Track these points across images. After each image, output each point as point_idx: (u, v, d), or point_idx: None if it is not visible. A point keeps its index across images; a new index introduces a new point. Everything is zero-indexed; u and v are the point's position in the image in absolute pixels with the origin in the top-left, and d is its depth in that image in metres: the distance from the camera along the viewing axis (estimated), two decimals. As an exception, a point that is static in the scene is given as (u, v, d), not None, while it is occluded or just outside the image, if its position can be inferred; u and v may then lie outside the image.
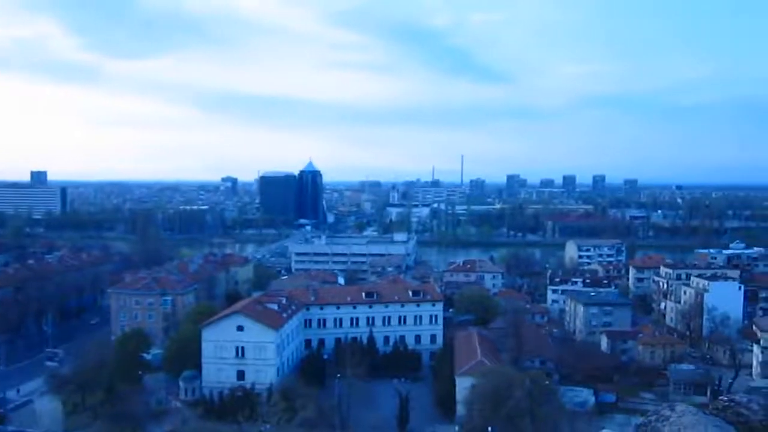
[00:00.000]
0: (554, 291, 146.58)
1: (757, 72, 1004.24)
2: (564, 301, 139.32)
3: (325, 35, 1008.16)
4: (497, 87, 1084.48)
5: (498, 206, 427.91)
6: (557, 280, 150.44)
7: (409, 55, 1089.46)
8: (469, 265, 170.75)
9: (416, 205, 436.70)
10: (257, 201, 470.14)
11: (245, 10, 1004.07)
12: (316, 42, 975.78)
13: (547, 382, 72.37)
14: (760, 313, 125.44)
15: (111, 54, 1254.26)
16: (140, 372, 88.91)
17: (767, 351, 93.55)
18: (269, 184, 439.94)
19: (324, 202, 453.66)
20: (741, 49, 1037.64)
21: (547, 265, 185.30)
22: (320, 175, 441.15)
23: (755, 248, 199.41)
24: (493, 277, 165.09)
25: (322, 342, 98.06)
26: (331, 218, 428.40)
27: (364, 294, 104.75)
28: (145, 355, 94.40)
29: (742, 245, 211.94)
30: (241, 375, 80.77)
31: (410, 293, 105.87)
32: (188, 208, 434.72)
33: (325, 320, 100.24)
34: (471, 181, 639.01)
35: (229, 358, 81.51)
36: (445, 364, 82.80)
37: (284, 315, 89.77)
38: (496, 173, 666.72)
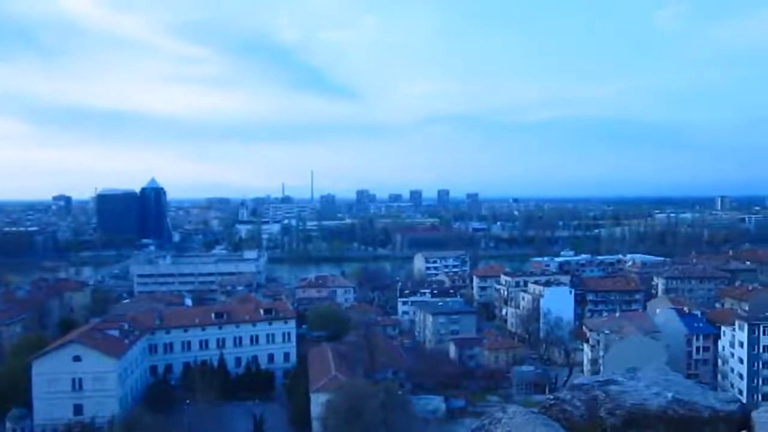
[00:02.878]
0: (404, 303, 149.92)
1: (579, 94, 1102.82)
2: (414, 312, 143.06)
3: (167, 47, 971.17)
4: (346, 104, 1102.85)
5: (348, 221, 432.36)
6: (407, 291, 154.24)
7: (256, 70, 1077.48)
8: (321, 281, 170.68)
9: (266, 222, 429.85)
10: (94, 221, 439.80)
11: (79, 18, 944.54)
12: (158, 54, 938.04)
13: (399, 392, 73.91)
14: (588, 314, 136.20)
15: None
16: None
17: (595, 349, 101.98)
18: (108, 202, 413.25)
19: (169, 221, 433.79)
20: (565, 73, 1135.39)
21: (397, 278, 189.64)
22: (164, 192, 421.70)
23: (582, 255, 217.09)
24: (345, 291, 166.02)
25: (169, 368, 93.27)
26: (176, 237, 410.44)
27: (213, 315, 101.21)
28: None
29: (572, 252, 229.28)
30: (78, 409, 74.68)
31: (262, 312, 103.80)
32: (14, 229, 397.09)
33: (171, 344, 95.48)
34: (321, 197, 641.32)
35: (65, 392, 75.09)
36: (300, 381, 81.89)
37: (126, 341, 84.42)
38: (346, 189, 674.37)
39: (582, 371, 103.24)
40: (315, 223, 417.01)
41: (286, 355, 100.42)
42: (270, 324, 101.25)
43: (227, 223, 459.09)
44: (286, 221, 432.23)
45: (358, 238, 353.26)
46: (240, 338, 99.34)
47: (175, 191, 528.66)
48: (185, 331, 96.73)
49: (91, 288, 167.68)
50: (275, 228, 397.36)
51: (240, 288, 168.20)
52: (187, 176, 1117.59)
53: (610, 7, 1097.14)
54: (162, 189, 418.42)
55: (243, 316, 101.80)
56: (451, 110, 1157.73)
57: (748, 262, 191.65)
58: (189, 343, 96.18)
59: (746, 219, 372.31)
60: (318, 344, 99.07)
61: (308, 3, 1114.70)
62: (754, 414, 5.63)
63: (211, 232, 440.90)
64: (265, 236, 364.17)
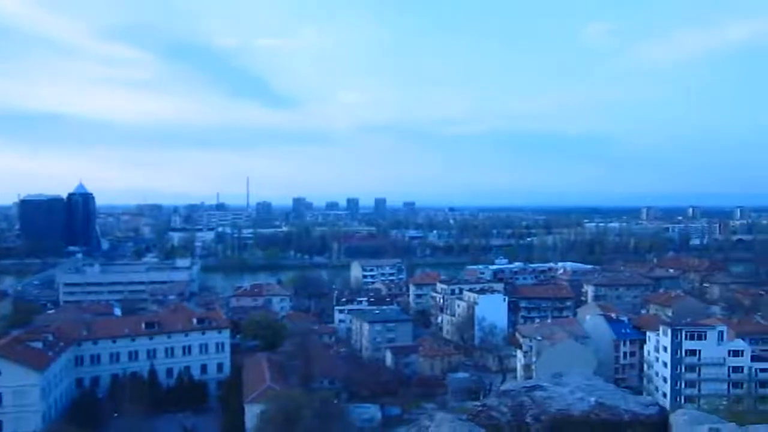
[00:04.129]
0: (341, 311, 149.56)
1: (513, 107, 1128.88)
2: (350, 321, 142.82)
3: (98, 50, 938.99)
4: (284, 111, 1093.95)
5: (285, 229, 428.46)
6: (343, 300, 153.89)
7: (192, 75, 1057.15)
8: (256, 289, 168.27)
9: (200, 229, 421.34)
10: (17, 227, 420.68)
11: (5, 17, 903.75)
12: (88, 56, 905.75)
13: (335, 402, 73.54)
14: (521, 321, 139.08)
15: None
16: None
17: (528, 355, 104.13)
18: (32, 208, 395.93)
19: (97, 228, 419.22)
20: (499, 86, 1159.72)
21: (333, 286, 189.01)
22: (92, 198, 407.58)
23: (516, 263, 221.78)
24: (281, 300, 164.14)
25: (96, 380, 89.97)
26: (105, 244, 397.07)
27: (143, 325, 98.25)
28: None
29: (506, 261, 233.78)
30: (-3, 426, 71.16)
31: (195, 321, 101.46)
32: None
33: (99, 356, 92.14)
34: (257, 204, 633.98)
35: (-18, 408, 71.41)
36: (233, 392, 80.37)
37: (50, 354, 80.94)
38: (282, 196, 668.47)
39: (516, 377, 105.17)
40: (251, 230, 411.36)
41: (220, 366, 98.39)
42: (203, 334, 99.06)
43: (159, 231, 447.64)
44: (220, 229, 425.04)
45: (294, 246, 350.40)
46: (172, 349, 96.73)
47: (105, 197, 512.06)
48: (114, 341, 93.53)
49: (12, 298, 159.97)
50: (209, 235, 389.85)
51: (172, 297, 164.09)
52: (118, 182, 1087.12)
53: (543, 25, 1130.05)
54: (90, 195, 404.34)
55: (175, 326, 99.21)
56: (388, 120, 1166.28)
57: (672, 270, 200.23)
58: (118, 354, 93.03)
59: (670, 229, 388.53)
60: (253, 354, 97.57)
61: (245, 9, 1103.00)
62: (671, 417, 5.84)
63: (142, 239, 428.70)
64: (198, 244, 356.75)
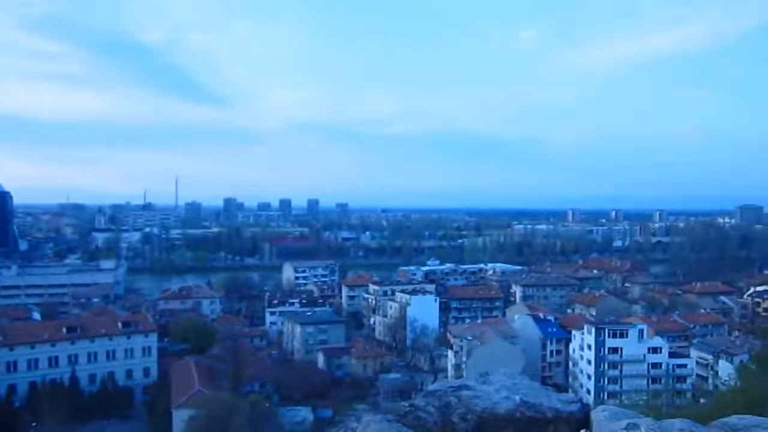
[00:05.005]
0: (272, 313, 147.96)
1: (445, 108, 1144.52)
2: (282, 323, 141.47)
3: (16, 40, 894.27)
4: (215, 109, 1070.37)
5: (215, 230, 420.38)
6: (275, 302, 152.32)
7: (117, 70, 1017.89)
8: (185, 292, 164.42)
9: (126, 230, 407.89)
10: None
11: None
12: (7, 49, 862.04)
13: (267, 405, 72.70)
14: (452, 321, 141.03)
15: None
16: None
17: (458, 355, 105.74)
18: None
19: (15, 228, 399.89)
20: (432, 86, 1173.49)
21: (265, 288, 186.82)
22: (10, 196, 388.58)
23: (447, 264, 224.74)
24: (211, 302, 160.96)
25: (13, 388, 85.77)
26: (24, 245, 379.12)
27: (64, 329, 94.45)
28: None
29: (437, 262, 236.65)
30: None
31: (120, 325, 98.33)
32: None
33: (16, 363, 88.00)
34: (187, 205, 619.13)
35: None
36: (161, 397, 78.29)
37: (-38, 361, 76.81)
38: (213, 196, 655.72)
39: (447, 377, 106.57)
40: (179, 231, 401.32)
41: (146, 371, 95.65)
42: (129, 338, 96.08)
43: (82, 231, 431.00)
44: (147, 229, 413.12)
45: (225, 247, 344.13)
46: (95, 354, 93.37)
47: (24, 196, 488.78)
48: (32, 347, 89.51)
49: None
50: (136, 236, 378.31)
51: (96, 300, 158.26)
52: (39, 180, 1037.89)
53: (477, 30, 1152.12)
54: (8, 193, 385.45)
55: (98, 330, 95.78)
56: (321, 119, 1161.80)
57: (595, 271, 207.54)
58: (36, 360, 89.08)
59: (594, 231, 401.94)
60: (181, 358, 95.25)
61: (173, 3, 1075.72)
62: (592, 413, 6.04)
63: (64, 240, 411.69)
64: (124, 245, 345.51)
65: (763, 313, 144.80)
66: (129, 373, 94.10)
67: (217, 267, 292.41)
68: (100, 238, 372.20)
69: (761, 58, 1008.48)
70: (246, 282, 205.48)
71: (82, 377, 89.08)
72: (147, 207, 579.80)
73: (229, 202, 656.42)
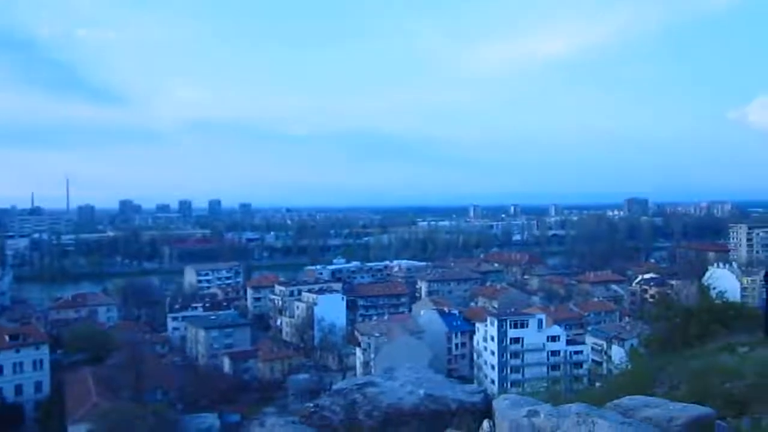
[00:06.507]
0: (174, 318, 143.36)
1: (349, 107, 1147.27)
2: (185, 328, 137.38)
3: None
4: (110, 108, 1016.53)
5: (111, 234, 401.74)
6: (177, 306, 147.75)
7: (3, 67, 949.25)
8: (79, 300, 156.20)
9: (11, 236, 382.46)
10: None
11: None
12: None
13: (170, 413, 70.31)
14: (360, 319, 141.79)
15: None
16: None
17: (366, 352, 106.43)
18: None
19: None
20: (336, 86, 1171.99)
21: (166, 293, 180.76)
22: None
23: (353, 262, 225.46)
24: (108, 309, 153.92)
25: None
26: None
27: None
28: None
29: (343, 260, 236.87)
30: None
31: (7, 338, 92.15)
32: None
33: None
34: (79, 208, 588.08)
35: None
36: (55, 412, 74.14)
37: None
38: (108, 199, 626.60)
39: (355, 374, 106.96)
40: (72, 236, 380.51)
41: (38, 385, 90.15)
42: (17, 351, 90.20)
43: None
44: (36, 235, 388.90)
45: (121, 251, 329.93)
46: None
47: None
48: None
49: None
50: (22, 243, 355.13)
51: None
52: None
53: (380, 27, 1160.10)
54: None
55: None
56: (223, 118, 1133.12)
57: (496, 264, 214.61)
58: None
59: (494, 226, 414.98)
60: (77, 370, 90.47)
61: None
62: (494, 403, 6.17)
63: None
64: (9, 252, 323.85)
65: (650, 300, 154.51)
66: (18, 389, 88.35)
67: (114, 273, 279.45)
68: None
69: (644, 60, 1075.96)
70: (145, 287, 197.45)
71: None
72: (35, 211, 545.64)
73: (126, 205, 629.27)
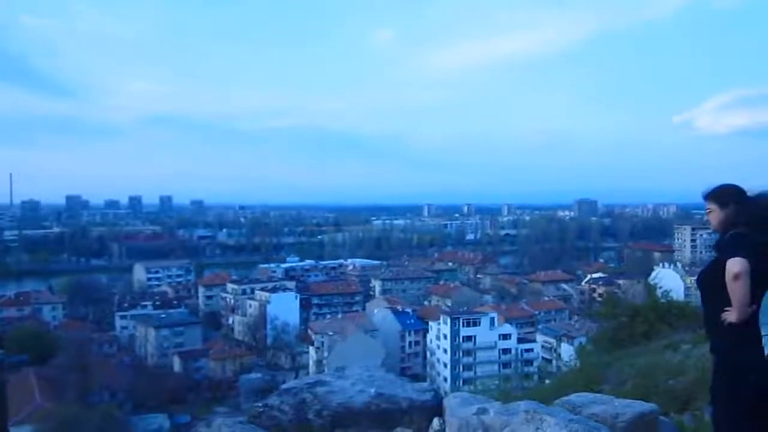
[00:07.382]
0: (123, 317, 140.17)
1: (307, 106, 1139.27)
2: (134, 327, 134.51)
3: None
4: (56, 100, 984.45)
5: (57, 230, 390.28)
6: (125, 305, 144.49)
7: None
8: (22, 298, 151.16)
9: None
10: None
11: None
12: None
13: (118, 414, 68.88)
14: (313, 317, 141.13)
15: None
16: None
17: (319, 351, 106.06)
18: None
19: None
20: (296, 84, 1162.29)
21: (114, 291, 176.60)
22: None
23: (307, 260, 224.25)
24: (53, 308, 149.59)
25: None
26: None
27: None
28: None
29: (297, 258, 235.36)
30: None
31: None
32: None
33: None
34: (23, 203, 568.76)
35: None
36: (-5, 414, 71.61)
37: None
38: (54, 194, 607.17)
39: (308, 373, 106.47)
40: (15, 232, 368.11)
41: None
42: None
43: None
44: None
45: (68, 248, 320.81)
46: None
47: None
48: None
49: None
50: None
51: None
52: None
53: (343, 26, 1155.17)
54: None
55: None
56: (176, 113, 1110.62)
57: (450, 263, 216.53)
58: None
59: (448, 225, 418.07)
60: (18, 371, 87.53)
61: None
62: (445, 401, 6.21)
63: None
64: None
65: (599, 298, 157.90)
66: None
67: (60, 270, 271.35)
68: None
69: (597, 62, 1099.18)
70: (92, 285, 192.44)
71: None
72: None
73: (73, 200, 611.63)
